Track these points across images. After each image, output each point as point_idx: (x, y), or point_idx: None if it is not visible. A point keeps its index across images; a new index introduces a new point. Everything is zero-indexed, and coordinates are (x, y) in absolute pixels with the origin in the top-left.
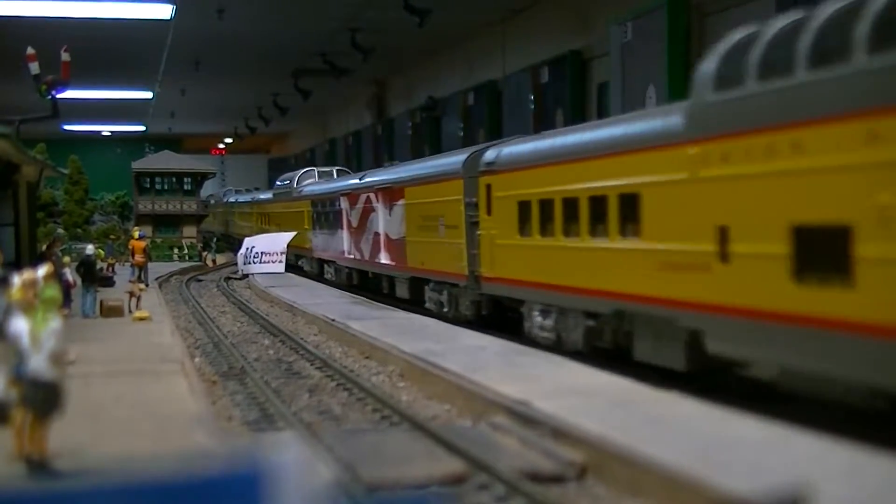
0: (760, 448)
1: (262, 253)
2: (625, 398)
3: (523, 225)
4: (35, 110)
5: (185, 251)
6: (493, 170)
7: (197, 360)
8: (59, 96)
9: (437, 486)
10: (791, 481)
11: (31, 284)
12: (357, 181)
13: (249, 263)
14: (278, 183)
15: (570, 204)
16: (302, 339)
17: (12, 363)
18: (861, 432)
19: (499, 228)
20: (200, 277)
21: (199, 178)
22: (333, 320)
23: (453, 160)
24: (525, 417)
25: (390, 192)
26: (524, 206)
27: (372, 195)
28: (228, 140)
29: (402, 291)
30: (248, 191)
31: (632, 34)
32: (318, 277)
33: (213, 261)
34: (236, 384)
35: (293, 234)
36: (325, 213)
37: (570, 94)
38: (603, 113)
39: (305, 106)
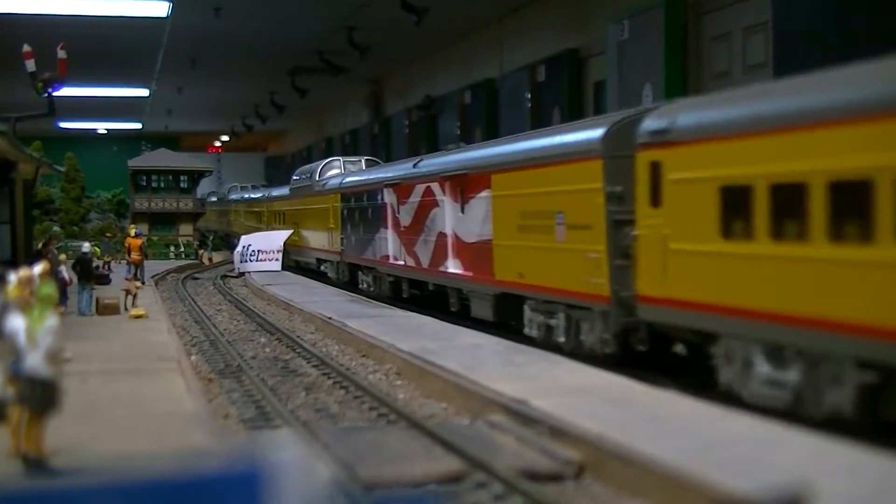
0: (759, 446)
1: (258, 251)
2: (622, 397)
3: (730, 222)
4: (31, 108)
5: (182, 249)
6: (667, 141)
7: (193, 358)
8: (55, 94)
9: (434, 484)
10: (790, 479)
11: (27, 282)
12: (409, 168)
13: (246, 262)
14: (295, 177)
15: (849, 191)
16: (299, 337)
17: (9, 361)
18: (860, 430)
19: (676, 227)
20: (197, 275)
21: (196, 176)
22: (330, 318)
23: (584, 134)
24: (523, 416)
25: (465, 182)
26: (733, 194)
27: (434, 186)
28: (225, 138)
29: (481, 310)
30: (254, 187)
31: (628, 33)
32: (348, 285)
33: (210, 259)
34: (233, 382)
35: (289, 231)
36: (360, 209)
37: (567, 92)
38: (600, 112)
39: (302, 104)
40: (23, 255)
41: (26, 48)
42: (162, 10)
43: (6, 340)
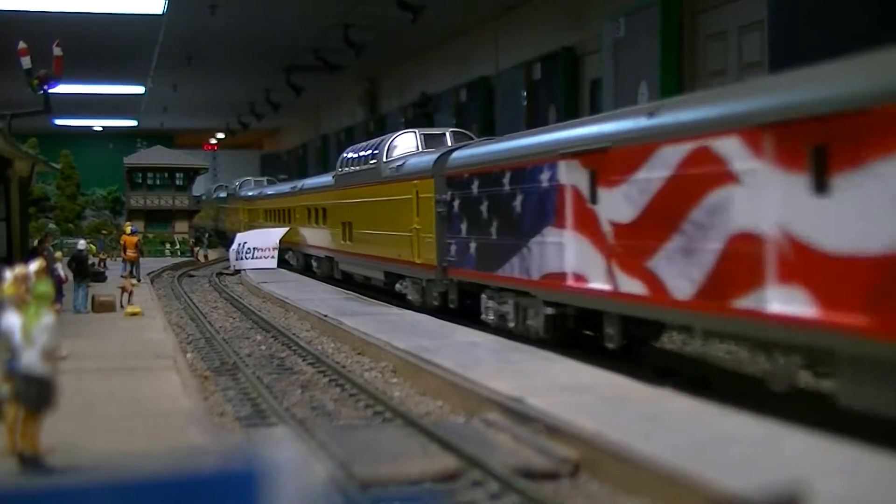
0: (755, 445)
1: (254, 248)
2: (619, 395)
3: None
4: (27, 105)
5: (177, 247)
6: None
7: (189, 355)
8: (51, 91)
9: (430, 482)
10: (786, 478)
11: (23, 280)
12: (634, 123)
13: (242, 259)
14: (348, 155)
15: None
16: (294, 334)
17: (4, 359)
18: (856, 429)
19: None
20: (192, 273)
21: (192, 174)
22: (326, 316)
23: None
24: (518, 414)
25: (836, 136)
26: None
27: (723, 145)
28: (221, 135)
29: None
30: (278, 180)
31: (624, 30)
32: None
33: (205, 256)
34: (228, 380)
35: (285, 229)
36: (489, 197)
37: (563, 90)
38: (596, 110)
39: (298, 102)
40: (18, 252)
41: (22, 45)
42: (158, 7)
43: (2, 338)
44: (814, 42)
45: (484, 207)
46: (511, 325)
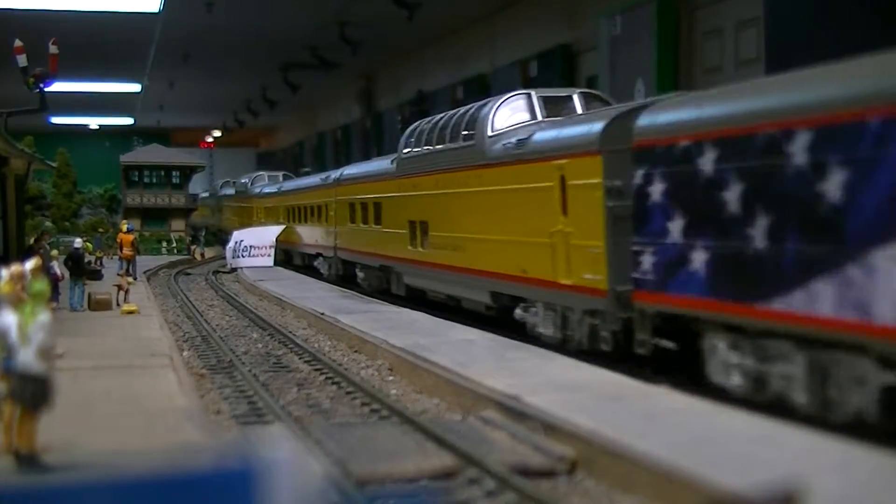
0: (752, 442)
1: (250, 246)
2: (615, 393)
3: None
4: (23, 103)
5: (174, 245)
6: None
7: (185, 353)
8: (47, 89)
9: (427, 480)
10: (783, 476)
11: (19, 278)
12: None
13: (238, 257)
14: (420, 128)
15: None
16: (291, 332)
17: (1, 357)
18: (853, 427)
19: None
20: (189, 271)
21: (188, 172)
22: (323, 314)
23: None
24: (515, 412)
25: None
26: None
27: None
28: (217, 133)
29: None
30: (290, 176)
31: (621, 28)
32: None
33: (202, 254)
34: (225, 378)
35: (282, 227)
36: (757, 178)
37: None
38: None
39: (294, 100)
40: (14, 250)
41: (18, 43)
42: (154, 5)
43: None
44: (810, 39)
45: (734, 194)
46: (800, 400)
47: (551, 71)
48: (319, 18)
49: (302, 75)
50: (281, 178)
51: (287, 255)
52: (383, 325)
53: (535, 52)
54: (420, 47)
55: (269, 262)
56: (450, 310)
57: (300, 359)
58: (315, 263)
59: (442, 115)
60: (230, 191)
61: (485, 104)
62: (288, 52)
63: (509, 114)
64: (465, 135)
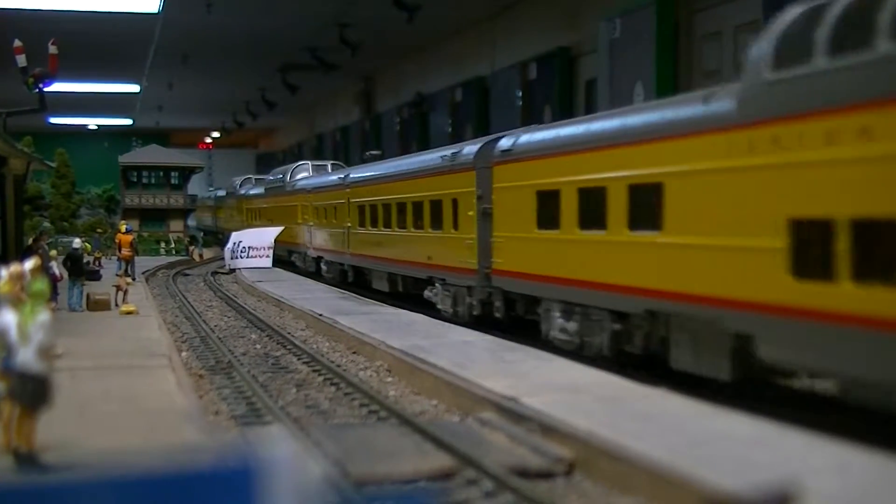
0: (748, 444)
1: (249, 248)
2: (613, 394)
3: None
4: (22, 103)
5: (172, 245)
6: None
7: (184, 354)
8: (46, 89)
9: (425, 481)
10: (779, 477)
11: (18, 278)
12: None
13: (237, 258)
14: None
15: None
16: (289, 333)
17: (0, 357)
18: (849, 428)
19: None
20: (187, 272)
21: (187, 173)
22: (321, 315)
23: None
24: (513, 413)
25: None
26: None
27: None
28: (216, 134)
29: None
30: (340, 165)
31: (620, 31)
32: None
33: (200, 255)
34: (223, 379)
35: (280, 228)
36: None
37: (559, 90)
38: (591, 110)
39: (293, 101)
40: (13, 250)
41: (17, 43)
42: (153, 5)
43: None
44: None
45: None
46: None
47: (550, 74)
48: (319, 20)
49: (301, 77)
50: (330, 169)
51: (356, 275)
52: (381, 327)
53: (534, 55)
54: (419, 49)
55: (268, 263)
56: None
57: (299, 360)
58: (429, 294)
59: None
60: (256, 189)
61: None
62: (287, 54)
63: None
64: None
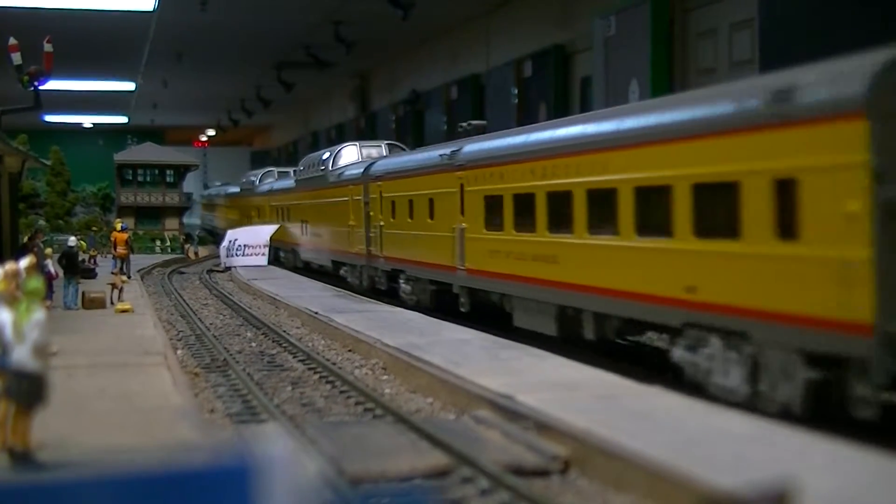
0: (744, 442)
1: (245, 245)
2: (608, 392)
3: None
4: (17, 101)
5: (167, 243)
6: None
7: (179, 352)
8: (41, 87)
9: (420, 479)
10: (775, 475)
11: (13, 276)
12: None
13: (232, 256)
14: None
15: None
16: (285, 331)
17: None
18: (845, 426)
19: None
20: (183, 270)
21: (182, 171)
22: (317, 313)
23: None
24: (509, 411)
25: None
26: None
27: None
28: (211, 132)
29: None
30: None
31: (615, 28)
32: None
33: (196, 253)
34: (219, 376)
35: (276, 226)
36: None
37: (554, 88)
38: (587, 108)
39: (288, 98)
40: (8, 248)
41: (12, 41)
42: (148, 3)
43: None
44: (804, 39)
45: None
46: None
47: (545, 71)
48: (314, 17)
49: (296, 74)
50: (385, 150)
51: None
52: (377, 325)
53: (529, 52)
54: (414, 47)
55: (264, 261)
56: (443, 310)
57: (294, 358)
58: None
59: None
60: (283, 183)
61: None
62: (282, 51)
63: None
64: None
